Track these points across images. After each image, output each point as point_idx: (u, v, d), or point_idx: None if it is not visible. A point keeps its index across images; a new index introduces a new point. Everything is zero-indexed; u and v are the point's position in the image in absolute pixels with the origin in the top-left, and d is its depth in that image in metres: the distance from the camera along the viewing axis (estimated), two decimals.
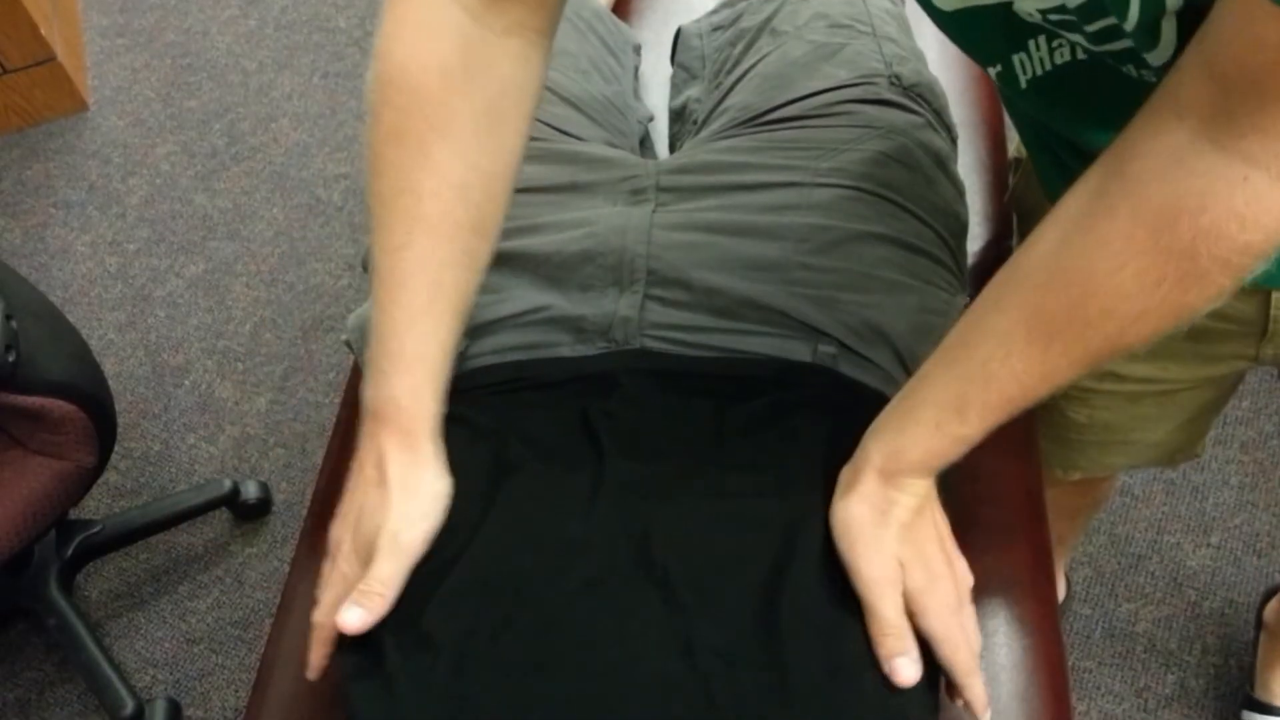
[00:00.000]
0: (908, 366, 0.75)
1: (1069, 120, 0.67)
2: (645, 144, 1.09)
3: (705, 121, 0.99)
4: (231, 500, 1.58)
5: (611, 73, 1.08)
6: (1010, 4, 0.59)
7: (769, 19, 1.00)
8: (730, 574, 0.63)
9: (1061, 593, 1.44)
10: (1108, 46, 0.57)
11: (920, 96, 0.91)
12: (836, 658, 0.60)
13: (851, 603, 0.62)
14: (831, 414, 0.71)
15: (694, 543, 0.64)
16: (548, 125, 0.93)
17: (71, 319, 1.47)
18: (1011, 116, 0.80)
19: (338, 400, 1.63)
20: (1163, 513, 1.52)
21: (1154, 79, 0.55)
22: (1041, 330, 0.56)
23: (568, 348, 0.75)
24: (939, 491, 0.67)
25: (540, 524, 0.66)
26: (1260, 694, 1.34)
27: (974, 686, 0.63)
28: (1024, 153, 0.93)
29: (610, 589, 0.62)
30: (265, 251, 1.91)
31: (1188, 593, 1.46)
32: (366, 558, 0.64)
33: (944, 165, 0.89)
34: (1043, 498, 0.88)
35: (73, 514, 1.48)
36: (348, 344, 0.87)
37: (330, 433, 1.13)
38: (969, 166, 1.05)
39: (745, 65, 0.98)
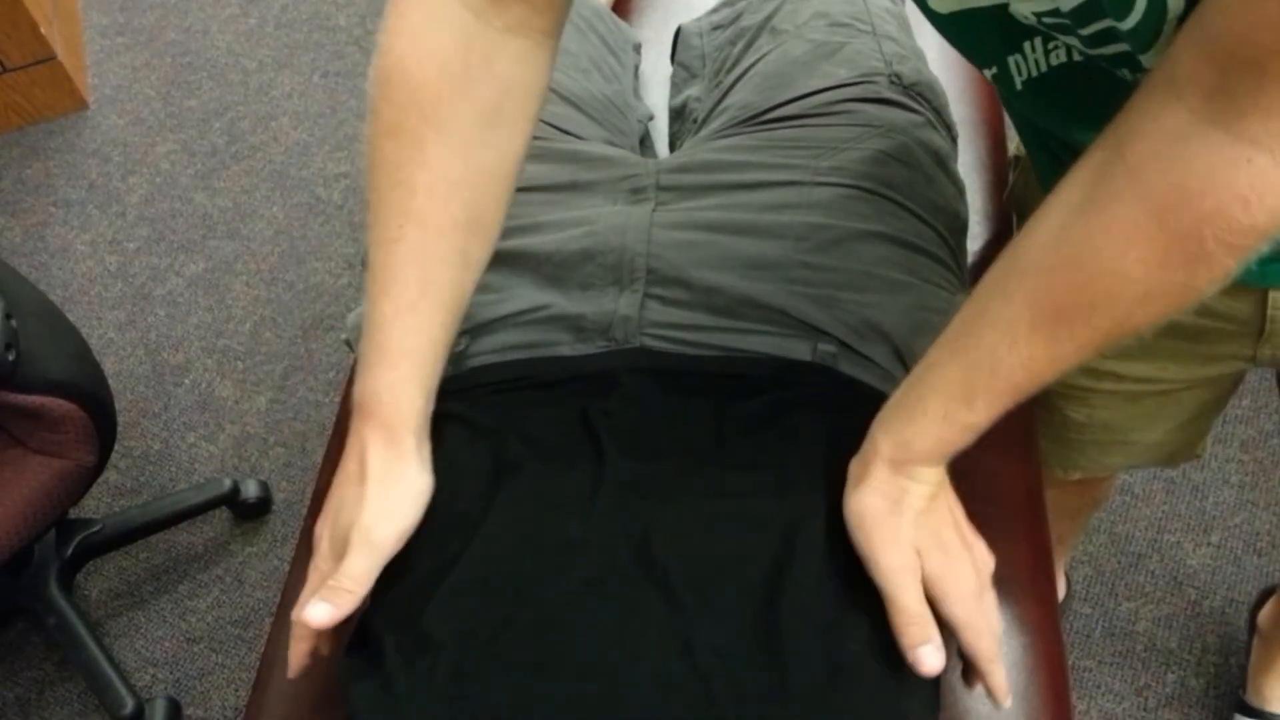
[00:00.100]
0: (908, 365, 0.74)
1: (1065, 122, 0.67)
2: (645, 143, 1.09)
3: (705, 120, 0.98)
4: (231, 499, 1.58)
5: (612, 72, 1.08)
6: (1006, 6, 0.58)
7: (769, 18, 1.00)
8: (730, 573, 0.62)
9: (1061, 592, 1.44)
10: (1103, 50, 0.57)
11: (920, 95, 0.91)
12: (836, 657, 0.60)
13: (852, 602, 0.62)
14: (831, 413, 0.70)
15: (694, 542, 0.64)
16: (548, 124, 0.93)
17: (71, 318, 1.47)
18: (1010, 116, 0.80)
19: (338, 399, 1.63)
20: (1163, 511, 1.52)
21: None
22: (1047, 316, 0.56)
23: (568, 347, 0.75)
24: None
25: (540, 523, 0.66)
26: (1252, 698, 1.34)
27: (996, 673, 0.62)
28: (1024, 151, 0.93)
29: (610, 589, 0.62)
30: (265, 250, 1.91)
31: (1188, 592, 1.45)
32: (341, 553, 0.63)
33: (944, 164, 0.88)
34: (1043, 497, 0.88)
35: (73, 513, 1.48)
36: (347, 343, 0.87)
37: (330, 432, 1.13)
38: (969, 165, 1.05)
39: (745, 64, 0.98)
